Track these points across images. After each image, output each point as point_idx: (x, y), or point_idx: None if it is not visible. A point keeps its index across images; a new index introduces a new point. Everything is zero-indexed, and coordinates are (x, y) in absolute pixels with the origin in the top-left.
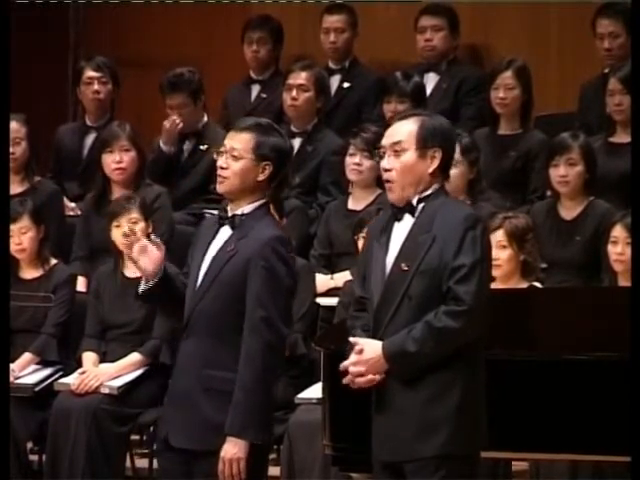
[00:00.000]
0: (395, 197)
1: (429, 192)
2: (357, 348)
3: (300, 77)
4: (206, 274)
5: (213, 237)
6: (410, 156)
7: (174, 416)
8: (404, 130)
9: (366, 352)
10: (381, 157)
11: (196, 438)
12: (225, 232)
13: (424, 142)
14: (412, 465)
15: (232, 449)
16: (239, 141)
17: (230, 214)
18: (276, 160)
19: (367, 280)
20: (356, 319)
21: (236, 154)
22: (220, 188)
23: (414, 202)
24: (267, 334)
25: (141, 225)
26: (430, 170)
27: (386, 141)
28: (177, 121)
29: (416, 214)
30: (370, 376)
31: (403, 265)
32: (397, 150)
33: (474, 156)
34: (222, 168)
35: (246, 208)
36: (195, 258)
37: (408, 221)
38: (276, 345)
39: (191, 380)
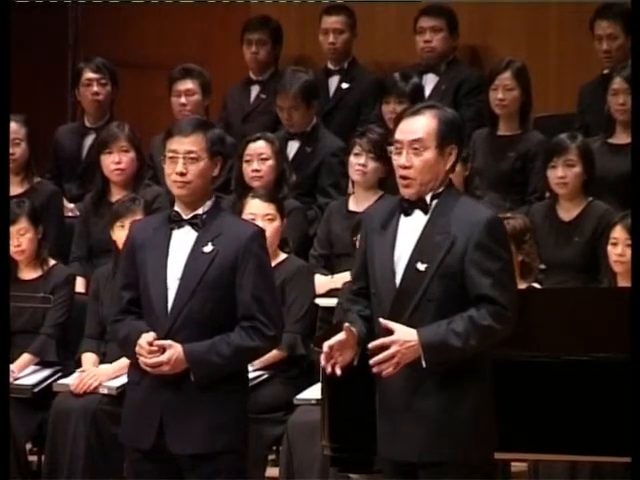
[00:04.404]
0: (412, 193)
1: (442, 189)
2: (389, 326)
3: (287, 99)
4: (183, 278)
5: (168, 240)
6: (431, 154)
7: (170, 423)
8: (423, 126)
9: (401, 335)
10: (397, 152)
11: (201, 441)
12: (185, 234)
13: (443, 139)
14: (428, 470)
15: (176, 352)
16: (192, 143)
17: (186, 215)
18: (224, 151)
19: (371, 274)
20: (353, 302)
21: (194, 156)
22: (181, 192)
23: (428, 199)
24: (259, 339)
25: None
26: (448, 166)
27: (403, 137)
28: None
29: (430, 211)
30: (397, 359)
31: (419, 265)
32: (417, 147)
33: (466, 153)
34: (182, 174)
35: (205, 206)
36: (153, 264)
37: (418, 217)
38: (264, 349)
39: (186, 386)
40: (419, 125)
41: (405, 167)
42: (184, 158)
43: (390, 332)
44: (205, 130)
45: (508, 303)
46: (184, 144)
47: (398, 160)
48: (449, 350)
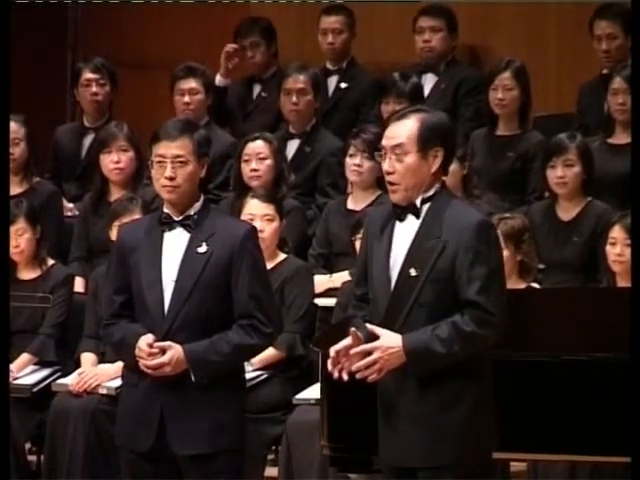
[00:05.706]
0: (399, 198)
1: (432, 192)
2: (376, 332)
3: (299, 81)
4: (178, 280)
5: (160, 242)
6: (412, 158)
7: (170, 424)
8: (404, 131)
9: (385, 342)
10: (382, 158)
11: (202, 441)
12: (177, 235)
13: (425, 143)
14: (427, 472)
15: (176, 353)
16: (180, 147)
17: (178, 217)
18: (209, 151)
19: (370, 280)
20: (357, 308)
21: (183, 160)
22: (171, 196)
23: (418, 203)
24: (258, 336)
25: None
26: (433, 170)
27: (386, 143)
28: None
29: (421, 216)
30: (379, 366)
31: (412, 271)
32: (398, 153)
33: (463, 152)
34: (171, 178)
35: (195, 207)
36: (147, 266)
37: (411, 222)
38: (263, 346)
39: (185, 387)
40: (401, 131)
41: (389, 173)
42: (172, 162)
43: (377, 337)
44: (192, 133)
45: (494, 309)
46: (171, 148)
47: (383, 166)
48: (433, 356)
